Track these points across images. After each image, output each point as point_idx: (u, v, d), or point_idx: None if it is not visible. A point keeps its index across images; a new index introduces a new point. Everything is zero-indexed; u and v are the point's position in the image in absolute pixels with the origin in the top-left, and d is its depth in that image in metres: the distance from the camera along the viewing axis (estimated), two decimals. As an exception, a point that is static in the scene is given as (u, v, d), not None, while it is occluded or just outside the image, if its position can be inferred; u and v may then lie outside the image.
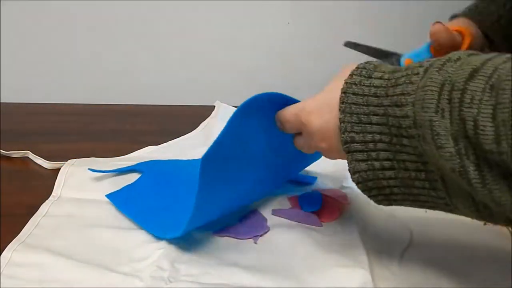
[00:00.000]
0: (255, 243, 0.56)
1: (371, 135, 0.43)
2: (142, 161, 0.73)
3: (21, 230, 0.58)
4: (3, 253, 0.53)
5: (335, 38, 1.13)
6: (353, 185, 0.66)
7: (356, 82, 0.45)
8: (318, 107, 0.49)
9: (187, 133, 0.88)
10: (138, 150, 0.80)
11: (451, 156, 0.37)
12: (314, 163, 0.69)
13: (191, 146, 0.83)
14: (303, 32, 1.12)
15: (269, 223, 0.60)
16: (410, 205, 0.45)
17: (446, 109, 0.37)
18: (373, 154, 0.44)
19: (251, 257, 0.54)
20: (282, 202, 0.64)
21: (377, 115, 0.43)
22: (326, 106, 0.48)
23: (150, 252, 0.54)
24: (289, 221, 0.61)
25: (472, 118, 0.36)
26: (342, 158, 0.48)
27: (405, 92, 0.41)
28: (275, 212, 0.62)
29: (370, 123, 0.43)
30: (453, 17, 0.71)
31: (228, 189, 0.56)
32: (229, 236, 0.57)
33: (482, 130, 0.35)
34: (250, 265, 0.53)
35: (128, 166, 0.71)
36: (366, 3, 1.09)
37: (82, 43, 1.11)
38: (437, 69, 0.39)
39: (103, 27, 1.10)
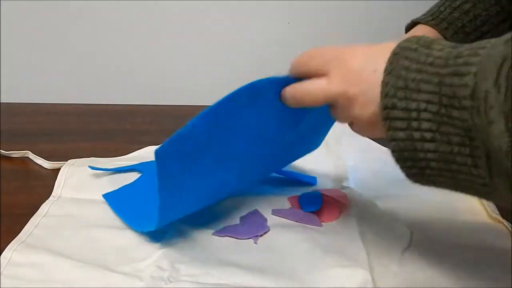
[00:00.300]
0: (255, 243, 0.56)
1: (415, 103, 0.40)
2: (142, 161, 0.73)
3: (21, 230, 0.58)
4: (3, 253, 0.53)
5: (335, 38, 1.13)
6: (353, 185, 0.67)
7: (412, 48, 0.42)
8: (366, 49, 0.46)
9: (187, 133, 0.88)
10: (138, 150, 0.80)
11: (501, 133, 0.35)
12: (315, 163, 0.69)
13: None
14: (303, 32, 1.12)
15: (269, 223, 0.60)
16: (443, 183, 0.42)
17: (502, 84, 0.35)
18: (415, 123, 0.40)
19: (251, 257, 0.54)
20: (282, 202, 0.64)
21: (429, 83, 0.40)
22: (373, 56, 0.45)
23: (150, 252, 0.54)
24: (289, 221, 0.61)
25: None
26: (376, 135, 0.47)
27: (469, 62, 0.38)
28: (275, 212, 0.62)
29: (418, 90, 0.40)
30: (414, 23, 0.67)
31: (202, 180, 0.54)
32: (229, 236, 0.57)
33: None
34: (250, 265, 0.53)
35: (128, 166, 0.71)
36: (366, 3, 1.09)
37: (82, 43, 1.11)
38: (503, 42, 0.37)
39: (103, 27, 1.10)
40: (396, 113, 0.41)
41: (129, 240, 0.57)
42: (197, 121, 0.48)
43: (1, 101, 1.07)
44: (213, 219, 0.60)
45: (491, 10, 0.62)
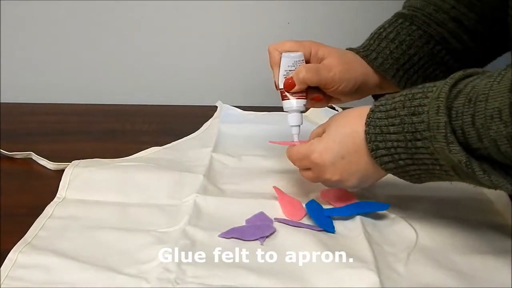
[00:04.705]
0: (262, 244, 0.56)
1: (390, 142, 0.54)
2: (147, 161, 0.73)
3: (24, 230, 0.58)
4: (9, 255, 0.53)
5: (335, 38, 1.13)
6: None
7: (382, 103, 0.56)
8: (328, 144, 0.59)
9: (187, 133, 0.89)
10: (143, 151, 0.80)
11: (459, 151, 0.48)
12: None
13: (194, 147, 0.83)
14: (303, 32, 1.12)
15: (274, 224, 0.60)
16: (435, 180, 0.56)
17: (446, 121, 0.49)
18: (396, 156, 0.55)
19: (257, 258, 0.54)
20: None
21: (393, 125, 0.54)
22: (337, 141, 0.59)
23: (157, 254, 0.54)
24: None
25: (459, 127, 0.48)
26: (350, 186, 0.61)
27: (422, 104, 0.51)
28: (277, 220, 0.61)
29: (388, 132, 0.55)
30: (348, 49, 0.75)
31: None
32: (235, 238, 0.57)
33: (468, 134, 0.48)
34: (256, 266, 0.53)
35: None
36: (367, 2, 1.09)
37: (82, 43, 1.11)
38: (443, 84, 0.50)
39: (103, 27, 1.10)
40: (381, 151, 0.56)
41: (135, 242, 0.56)
42: None
43: (1, 101, 1.07)
44: (218, 221, 0.60)
45: (413, 34, 0.68)
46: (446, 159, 0.50)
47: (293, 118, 0.67)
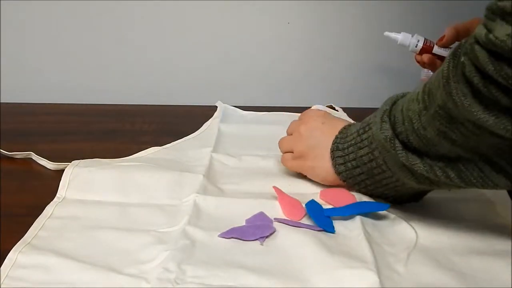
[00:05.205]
0: (261, 244, 0.56)
1: (351, 155, 0.64)
2: (147, 162, 0.73)
3: (23, 230, 0.58)
4: (9, 255, 0.53)
5: (335, 38, 1.14)
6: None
7: (344, 135, 0.66)
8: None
9: (187, 133, 0.89)
10: (143, 151, 0.80)
11: (387, 128, 0.57)
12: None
13: (194, 147, 0.83)
14: (303, 32, 1.12)
15: (274, 224, 0.60)
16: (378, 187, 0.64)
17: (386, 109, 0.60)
18: (347, 157, 0.65)
19: (257, 258, 0.54)
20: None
21: (353, 152, 0.64)
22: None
23: (157, 254, 0.54)
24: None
25: (393, 115, 0.58)
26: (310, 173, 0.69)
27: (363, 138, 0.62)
28: (277, 220, 0.61)
29: (349, 153, 0.64)
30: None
31: None
32: (235, 238, 0.57)
33: (396, 118, 0.57)
34: (256, 266, 0.52)
35: None
36: (367, 2, 1.09)
37: (82, 43, 1.11)
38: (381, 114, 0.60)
39: (103, 27, 1.10)
40: (338, 161, 0.65)
41: (135, 242, 0.56)
42: None
43: (1, 101, 1.07)
44: (218, 221, 0.60)
45: None
46: (378, 144, 0.58)
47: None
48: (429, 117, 0.52)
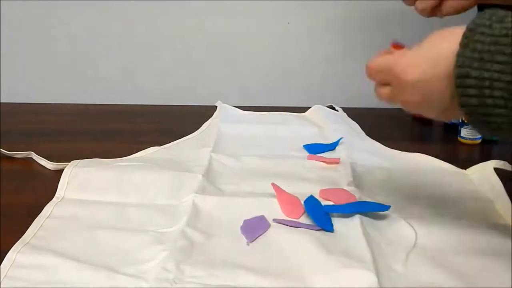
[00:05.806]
0: (260, 244, 0.56)
1: (489, 73, 0.44)
2: (146, 161, 0.73)
3: (22, 230, 0.58)
4: (8, 255, 0.53)
5: (335, 38, 1.13)
6: (359, 185, 0.67)
7: (486, 24, 0.45)
8: (417, 60, 0.49)
9: (187, 133, 0.89)
10: (142, 151, 0.80)
11: None
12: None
13: (193, 147, 0.83)
14: (303, 32, 1.12)
15: (273, 225, 0.60)
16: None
17: None
18: (487, 91, 0.44)
19: (256, 258, 0.54)
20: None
21: (503, 54, 0.43)
22: (428, 60, 0.48)
23: (155, 254, 0.54)
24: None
25: None
26: (430, 114, 0.51)
27: None
28: (276, 221, 0.61)
29: (491, 61, 0.44)
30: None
31: None
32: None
33: None
34: (255, 266, 0.52)
35: None
36: (367, 2, 1.09)
37: (82, 43, 1.11)
38: None
39: (103, 27, 1.10)
40: (469, 81, 0.44)
41: (133, 242, 0.56)
42: None
43: (1, 101, 1.07)
44: (217, 221, 0.60)
45: None
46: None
47: None
48: None
